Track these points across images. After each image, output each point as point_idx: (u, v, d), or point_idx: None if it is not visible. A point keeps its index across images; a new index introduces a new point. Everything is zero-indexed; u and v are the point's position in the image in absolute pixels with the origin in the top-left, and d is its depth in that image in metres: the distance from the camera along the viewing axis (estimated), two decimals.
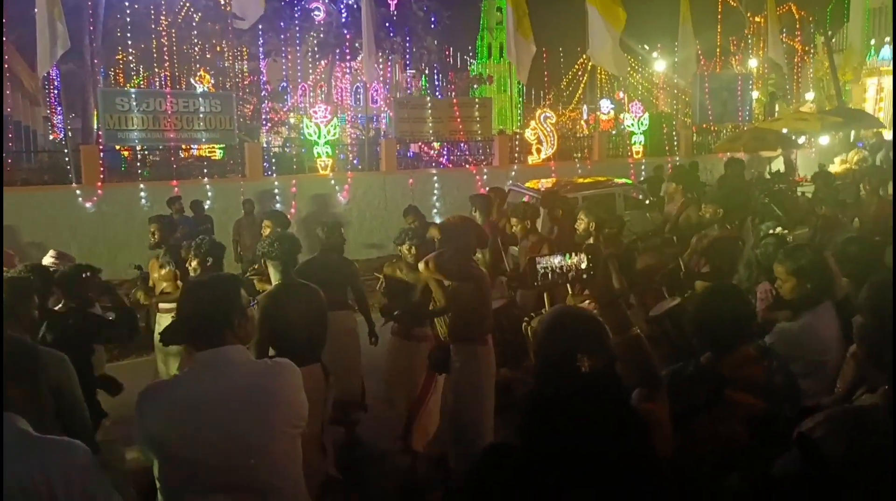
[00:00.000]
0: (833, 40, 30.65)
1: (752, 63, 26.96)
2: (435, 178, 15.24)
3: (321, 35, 21.90)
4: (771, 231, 5.12)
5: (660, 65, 26.94)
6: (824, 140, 20.33)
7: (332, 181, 14.09)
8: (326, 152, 14.20)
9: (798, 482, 1.86)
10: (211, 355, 2.19)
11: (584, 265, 2.11)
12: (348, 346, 5.29)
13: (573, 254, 2.12)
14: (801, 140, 20.05)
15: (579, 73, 26.54)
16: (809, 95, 26.24)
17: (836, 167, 17.20)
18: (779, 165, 17.36)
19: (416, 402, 4.81)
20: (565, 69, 26.22)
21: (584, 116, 22.95)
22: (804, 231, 6.47)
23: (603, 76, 24.96)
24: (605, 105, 29.49)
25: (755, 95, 23.96)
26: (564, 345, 1.97)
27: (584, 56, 22.50)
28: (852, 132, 20.83)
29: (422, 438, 4.83)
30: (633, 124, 18.37)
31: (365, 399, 5.47)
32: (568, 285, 2.22)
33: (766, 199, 10.08)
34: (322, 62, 23.30)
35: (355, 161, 16.10)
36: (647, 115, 18.64)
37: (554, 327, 2.03)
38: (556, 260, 2.11)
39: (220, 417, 2.11)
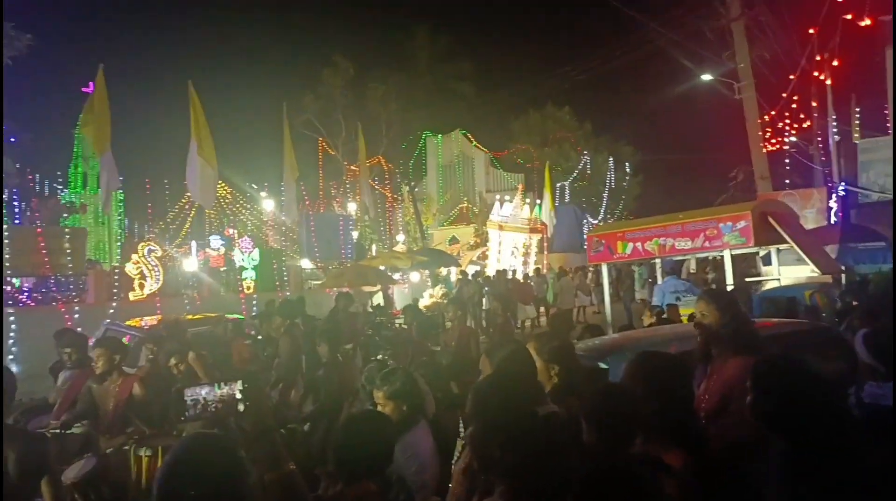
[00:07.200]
0: (416, 190, 35.63)
1: (352, 206, 29.62)
2: (12, 319, 12.97)
3: None
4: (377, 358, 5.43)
5: (268, 203, 27.89)
6: (415, 277, 22.95)
7: None
8: None
9: None
10: None
11: (238, 395, 1.93)
12: None
13: (223, 383, 1.93)
14: (397, 276, 22.33)
15: (186, 206, 26.00)
16: (400, 237, 29.64)
17: (425, 301, 19.52)
18: (379, 299, 18.95)
19: None
20: (171, 203, 25.48)
21: (194, 252, 22.29)
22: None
23: (212, 211, 24.84)
24: (216, 241, 29.21)
25: (356, 234, 26.20)
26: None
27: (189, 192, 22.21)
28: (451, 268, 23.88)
29: None
30: (243, 260, 18.43)
31: None
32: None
33: (369, 330, 10.87)
34: None
35: None
36: (257, 250, 18.91)
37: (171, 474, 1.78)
38: (205, 390, 1.90)
39: None
